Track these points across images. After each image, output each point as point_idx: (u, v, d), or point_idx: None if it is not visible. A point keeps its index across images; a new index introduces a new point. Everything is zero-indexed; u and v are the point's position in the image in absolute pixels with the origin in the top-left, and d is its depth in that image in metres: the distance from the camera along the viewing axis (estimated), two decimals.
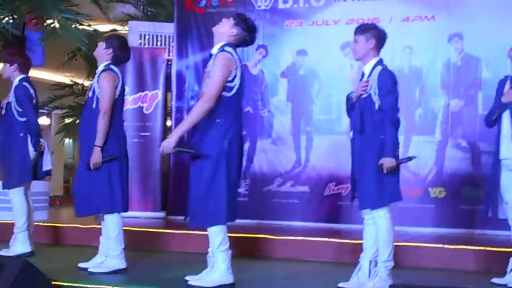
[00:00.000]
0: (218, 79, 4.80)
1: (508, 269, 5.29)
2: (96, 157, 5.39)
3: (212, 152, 4.80)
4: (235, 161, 4.89)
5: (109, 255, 5.58)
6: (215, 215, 4.85)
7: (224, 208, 4.83)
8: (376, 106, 4.84)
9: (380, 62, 4.98)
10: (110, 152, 5.45)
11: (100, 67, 5.59)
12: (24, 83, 6.37)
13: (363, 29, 5.05)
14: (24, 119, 6.30)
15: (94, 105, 5.48)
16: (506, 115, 5.28)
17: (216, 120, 4.82)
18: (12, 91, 6.37)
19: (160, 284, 5.04)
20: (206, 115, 4.80)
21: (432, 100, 7.89)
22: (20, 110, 6.29)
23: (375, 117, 4.84)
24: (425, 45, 7.96)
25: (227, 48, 4.90)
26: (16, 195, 6.38)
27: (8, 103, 6.37)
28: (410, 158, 5.16)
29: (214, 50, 4.95)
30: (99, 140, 5.40)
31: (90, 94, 5.54)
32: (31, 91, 6.38)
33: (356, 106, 4.99)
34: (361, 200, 4.95)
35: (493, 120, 5.42)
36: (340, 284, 5.00)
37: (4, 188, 6.44)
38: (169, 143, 4.82)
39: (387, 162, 4.76)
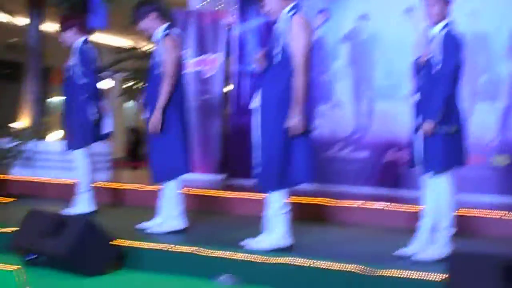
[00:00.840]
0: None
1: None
2: (158, 118, 5.44)
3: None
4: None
5: (170, 215, 5.67)
6: (278, 180, 4.86)
7: (285, 174, 4.84)
8: (436, 68, 4.76)
9: (448, 24, 4.89)
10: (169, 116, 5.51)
11: (159, 34, 5.60)
12: (85, 45, 6.45)
13: None
14: (85, 81, 6.39)
15: (160, 70, 5.54)
16: None
17: None
18: (74, 53, 6.46)
19: (218, 245, 5.09)
20: None
21: (498, 66, 7.68)
22: (81, 72, 6.38)
23: (435, 80, 4.76)
24: (491, 9, 7.73)
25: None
26: (80, 156, 6.51)
27: (71, 66, 6.47)
28: (453, 128, 4.82)
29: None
30: (161, 102, 5.46)
31: (156, 59, 5.59)
32: (92, 53, 6.46)
33: (422, 70, 4.91)
34: (424, 165, 4.88)
35: None
36: (398, 251, 4.97)
37: (68, 149, 6.56)
38: (298, 123, 4.79)
39: (426, 125, 4.72)
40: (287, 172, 4.89)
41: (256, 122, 4.98)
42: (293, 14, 4.87)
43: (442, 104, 4.73)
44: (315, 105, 8.01)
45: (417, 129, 4.94)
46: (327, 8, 8.43)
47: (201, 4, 9.50)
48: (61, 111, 6.75)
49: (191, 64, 8.91)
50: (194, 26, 8.99)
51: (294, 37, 4.79)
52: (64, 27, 6.54)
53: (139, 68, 13.49)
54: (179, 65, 5.65)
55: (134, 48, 13.46)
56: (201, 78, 8.96)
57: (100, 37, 13.50)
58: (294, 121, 4.76)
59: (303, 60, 4.79)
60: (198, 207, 7.07)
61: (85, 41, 6.52)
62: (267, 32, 8.63)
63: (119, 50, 13.43)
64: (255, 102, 4.99)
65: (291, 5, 4.93)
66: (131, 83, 14.01)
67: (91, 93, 6.40)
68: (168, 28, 5.63)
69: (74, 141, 6.50)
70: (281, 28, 4.87)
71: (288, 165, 4.89)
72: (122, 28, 11.64)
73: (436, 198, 4.88)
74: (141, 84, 13.74)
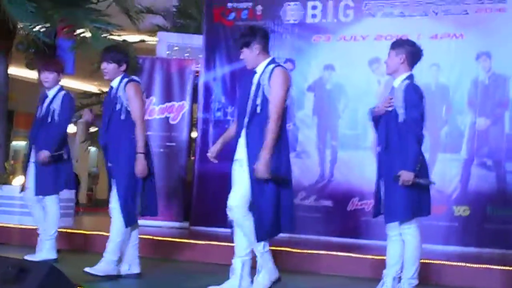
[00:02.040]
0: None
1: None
2: (143, 164, 5.49)
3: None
4: None
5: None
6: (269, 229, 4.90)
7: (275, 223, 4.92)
8: (401, 119, 4.86)
9: (409, 77, 5.01)
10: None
11: (117, 81, 5.64)
12: (67, 93, 6.48)
13: (396, 44, 5.09)
14: (61, 126, 6.42)
15: (123, 117, 5.56)
16: None
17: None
18: (53, 98, 6.43)
19: None
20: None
21: (459, 118, 7.88)
22: (59, 118, 6.38)
23: (401, 131, 4.86)
24: (452, 62, 7.95)
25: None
26: (52, 202, 6.46)
27: (48, 110, 6.43)
28: (430, 183, 4.98)
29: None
30: (141, 147, 5.50)
31: (118, 106, 5.60)
32: (73, 101, 6.51)
33: (382, 121, 5.01)
34: (388, 214, 4.93)
35: None
36: None
37: (38, 194, 6.45)
38: (266, 167, 4.75)
39: (405, 175, 4.77)
40: (276, 221, 4.91)
41: (239, 172, 4.99)
42: (275, 66, 4.96)
43: (418, 153, 4.83)
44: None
45: (379, 178, 5.02)
46: (292, 59, 8.57)
47: (168, 52, 9.60)
48: (26, 155, 6.70)
49: (157, 111, 8.96)
50: (161, 74, 9.06)
51: (274, 88, 4.85)
52: (51, 68, 6.53)
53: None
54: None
55: (100, 93, 13.49)
56: (167, 125, 8.98)
57: (64, 82, 13.50)
58: (261, 163, 4.79)
59: (280, 110, 4.87)
60: (161, 255, 7.04)
61: (62, 87, 6.55)
62: (232, 81, 8.79)
63: (84, 95, 13.43)
64: (239, 153, 5.00)
65: (269, 58, 5.01)
66: (95, 129, 13.96)
67: (64, 139, 6.41)
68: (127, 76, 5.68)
69: (46, 187, 6.43)
70: (263, 80, 4.93)
71: (277, 214, 4.90)
72: (87, 74, 11.69)
73: (400, 249, 4.93)
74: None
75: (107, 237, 6.99)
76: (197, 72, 9.17)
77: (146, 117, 8.98)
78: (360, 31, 8.33)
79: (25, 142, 6.79)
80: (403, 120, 4.86)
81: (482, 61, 7.79)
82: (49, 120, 6.38)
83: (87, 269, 5.45)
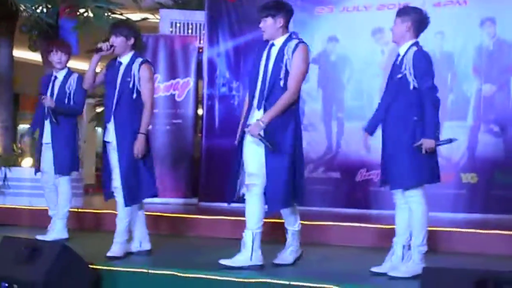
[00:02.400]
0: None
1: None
2: (143, 144, 5.51)
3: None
4: None
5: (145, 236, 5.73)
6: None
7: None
8: (411, 86, 4.84)
9: (415, 44, 4.99)
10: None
11: (128, 58, 5.61)
12: (79, 75, 6.50)
13: (401, 11, 5.06)
14: (75, 108, 6.51)
15: (135, 96, 5.58)
16: None
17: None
18: (66, 80, 6.48)
19: (192, 267, 5.11)
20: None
21: (464, 85, 7.87)
22: (74, 99, 6.49)
23: (410, 98, 4.85)
24: (457, 30, 7.92)
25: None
26: (65, 182, 6.52)
27: (62, 92, 6.47)
28: (450, 140, 4.96)
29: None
30: (144, 129, 5.52)
31: (131, 85, 5.60)
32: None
33: (388, 88, 5.01)
34: (393, 181, 4.93)
35: None
36: (373, 269, 5.01)
37: (56, 173, 6.50)
38: (258, 126, 4.88)
39: (427, 143, 4.75)
40: (288, 193, 5.05)
41: (255, 143, 5.01)
42: (300, 42, 5.00)
43: (436, 119, 4.81)
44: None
45: (385, 147, 5.03)
46: (295, 32, 8.52)
47: (171, 29, 9.58)
48: (34, 137, 6.75)
49: (162, 88, 8.97)
50: (165, 51, 9.06)
51: (297, 62, 4.94)
52: (65, 50, 6.58)
53: None
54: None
55: None
56: (172, 102, 9.00)
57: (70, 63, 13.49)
58: (256, 123, 4.89)
59: (299, 85, 5.00)
60: (171, 231, 7.09)
61: (70, 69, 6.61)
62: (236, 56, 8.79)
63: None
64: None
65: (288, 33, 5.08)
66: (102, 109, 13.98)
67: (76, 120, 6.50)
68: (139, 55, 5.67)
69: (63, 167, 6.49)
70: (287, 53, 4.97)
71: (289, 186, 5.03)
72: (91, 54, 11.66)
73: (408, 216, 4.95)
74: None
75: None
76: (200, 48, 9.16)
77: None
78: (362, 1, 8.30)
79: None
80: (413, 87, 4.85)
81: (487, 27, 7.76)
82: (66, 102, 6.45)
83: (108, 254, 5.50)
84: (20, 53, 11.95)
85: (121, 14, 9.54)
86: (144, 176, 5.60)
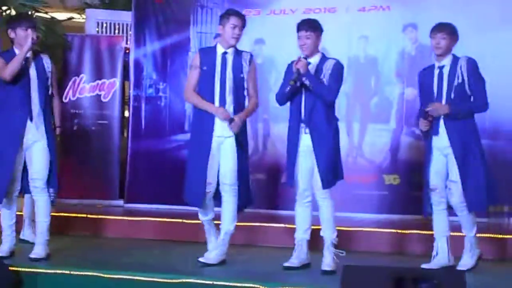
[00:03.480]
0: None
1: (434, 253, 5.45)
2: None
3: None
4: None
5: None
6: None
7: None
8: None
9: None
10: None
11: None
12: None
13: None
14: None
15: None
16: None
17: None
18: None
19: (120, 269, 5.09)
20: None
21: (387, 89, 8.02)
22: None
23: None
24: (380, 34, 8.07)
25: None
26: None
27: None
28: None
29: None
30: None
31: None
32: None
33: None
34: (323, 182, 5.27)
35: None
36: (285, 264, 5.33)
37: None
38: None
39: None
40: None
41: None
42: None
43: None
44: None
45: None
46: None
47: (97, 29, 9.48)
48: None
49: (88, 89, 8.86)
50: (91, 51, 8.95)
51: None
52: None
53: None
54: None
55: None
56: (98, 103, 8.89)
57: None
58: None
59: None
60: (93, 232, 7.03)
61: None
62: (163, 57, 8.75)
63: None
64: None
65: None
66: None
67: None
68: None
69: None
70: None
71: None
72: None
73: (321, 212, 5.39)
74: None
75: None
76: (127, 49, 9.08)
77: (77, 96, 8.98)
78: (289, 4, 8.38)
79: None
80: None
81: (409, 32, 7.93)
82: None
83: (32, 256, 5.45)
84: None
85: (46, 12, 9.38)
86: None
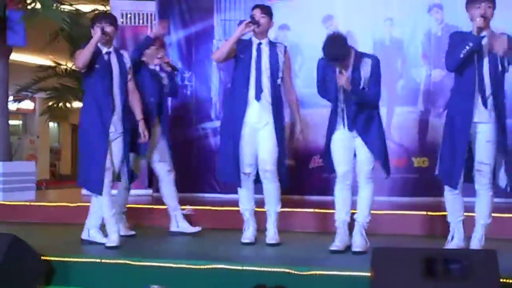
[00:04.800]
0: None
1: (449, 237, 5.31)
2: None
3: None
4: None
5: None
6: None
7: None
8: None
9: None
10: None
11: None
12: None
13: None
14: None
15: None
16: None
17: None
18: None
19: (153, 257, 5.11)
20: None
21: (414, 71, 7.96)
22: None
23: None
24: (405, 16, 8.00)
25: None
26: None
27: None
28: None
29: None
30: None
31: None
32: None
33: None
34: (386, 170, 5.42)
35: None
36: (331, 248, 5.30)
37: None
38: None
39: None
40: None
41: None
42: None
43: None
44: None
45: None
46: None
47: (121, 20, 9.50)
48: None
49: None
50: (116, 42, 8.95)
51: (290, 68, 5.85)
52: None
53: (62, 87, 13.38)
54: None
55: (56, 66, 13.31)
56: None
57: (18, 56, 13.32)
58: None
59: None
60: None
61: None
62: (188, 46, 8.75)
63: (40, 68, 13.25)
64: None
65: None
66: (53, 102, 13.82)
67: None
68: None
69: None
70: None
71: None
72: (41, 47, 11.53)
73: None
74: (63, 102, 13.62)
75: (71, 208, 7.04)
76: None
77: None
78: None
79: None
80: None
81: (434, 13, 7.85)
82: None
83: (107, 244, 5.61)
84: None
85: (71, 5, 9.45)
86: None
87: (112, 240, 5.58)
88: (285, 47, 5.86)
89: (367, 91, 5.26)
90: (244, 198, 5.80)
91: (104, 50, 5.64)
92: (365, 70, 5.27)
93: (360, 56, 5.32)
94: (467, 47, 4.94)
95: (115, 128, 5.62)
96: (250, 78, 5.63)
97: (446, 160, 5.17)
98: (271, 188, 5.73)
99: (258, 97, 5.61)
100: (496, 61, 5.00)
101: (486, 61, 5.02)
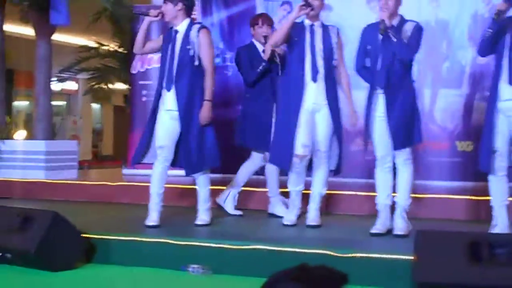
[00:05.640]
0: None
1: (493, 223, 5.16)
2: (210, 111, 5.58)
3: None
4: None
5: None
6: None
7: None
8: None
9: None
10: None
11: (185, 25, 5.63)
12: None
13: None
14: None
15: (196, 63, 5.58)
16: None
17: None
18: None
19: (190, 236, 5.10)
20: None
21: (459, 53, 7.81)
22: None
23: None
24: None
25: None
26: None
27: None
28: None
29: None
30: (209, 95, 5.58)
31: (191, 52, 5.56)
32: None
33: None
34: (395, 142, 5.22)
35: None
36: (372, 230, 5.26)
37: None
38: None
39: None
40: None
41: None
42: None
43: None
44: None
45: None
46: (289, 1, 8.46)
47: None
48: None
49: (156, 60, 8.89)
50: (157, 22, 8.93)
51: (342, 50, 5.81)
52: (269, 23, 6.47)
53: (104, 67, 13.45)
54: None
55: (99, 47, 13.37)
56: None
57: (61, 37, 13.42)
58: None
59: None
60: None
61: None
62: (230, 26, 8.70)
63: (82, 49, 13.32)
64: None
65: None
66: (95, 83, 13.91)
67: None
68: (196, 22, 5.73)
69: None
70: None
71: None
72: (84, 27, 11.59)
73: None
74: (105, 83, 13.69)
75: (112, 187, 7.07)
76: (194, 19, 9.04)
77: (146, 66, 9.03)
78: None
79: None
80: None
81: None
82: None
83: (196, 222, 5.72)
84: (13, 27, 11.87)
85: None
86: (209, 145, 5.65)
87: (153, 219, 5.59)
88: (338, 29, 5.83)
89: (404, 41, 5.17)
90: (293, 179, 5.75)
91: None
92: (407, 29, 5.23)
93: (405, 20, 5.31)
94: (487, 34, 4.94)
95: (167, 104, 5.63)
96: (306, 60, 5.60)
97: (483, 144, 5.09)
98: (321, 170, 5.71)
99: (314, 78, 5.57)
100: None
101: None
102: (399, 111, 5.14)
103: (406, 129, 5.17)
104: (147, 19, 5.64)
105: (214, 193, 6.12)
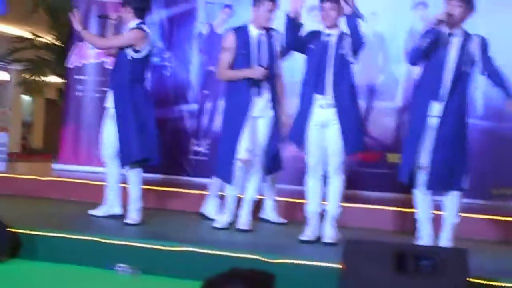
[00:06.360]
0: None
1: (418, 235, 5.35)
2: None
3: None
4: None
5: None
6: None
7: None
8: None
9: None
10: None
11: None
12: None
13: None
14: None
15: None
16: None
17: None
18: None
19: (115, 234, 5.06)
20: None
21: (394, 67, 7.95)
22: None
23: None
24: (390, 11, 7.96)
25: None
26: None
27: None
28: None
29: None
30: None
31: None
32: None
33: None
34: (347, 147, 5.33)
35: None
36: (301, 237, 5.31)
37: None
38: None
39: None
40: None
41: None
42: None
43: None
44: None
45: None
46: (230, 5, 8.45)
47: None
48: None
49: (93, 55, 8.79)
50: (97, 18, 8.85)
51: None
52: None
53: (39, 59, 13.21)
54: None
55: (34, 38, 13.13)
56: (102, 70, 8.82)
57: None
58: None
59: None
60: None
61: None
62: (170, 26, 8.66)
63: (17, 39, 13.07)
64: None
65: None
66: (28, 75, 13.65)
67: None
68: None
69: None
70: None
71: None
72: (20, 17, 11.37)
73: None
74: (39, 75, 13.45)
75: (42, 182, 6.96)
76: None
77: (82, 61, 8.91)
78: None
79: None
80: None
81: (419, 10, 7.84)
82: None
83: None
84: None
85: None
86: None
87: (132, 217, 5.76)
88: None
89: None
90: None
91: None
92: (347, 42, 5.46)
93: (346, 34, 5.49)
94: (423, 43, 5.15)
95: None
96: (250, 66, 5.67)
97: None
98: (255, 176, 5.78)
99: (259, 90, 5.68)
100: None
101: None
102: (351, 119, 5.27)
103: (358, 133, 5.29)
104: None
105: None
